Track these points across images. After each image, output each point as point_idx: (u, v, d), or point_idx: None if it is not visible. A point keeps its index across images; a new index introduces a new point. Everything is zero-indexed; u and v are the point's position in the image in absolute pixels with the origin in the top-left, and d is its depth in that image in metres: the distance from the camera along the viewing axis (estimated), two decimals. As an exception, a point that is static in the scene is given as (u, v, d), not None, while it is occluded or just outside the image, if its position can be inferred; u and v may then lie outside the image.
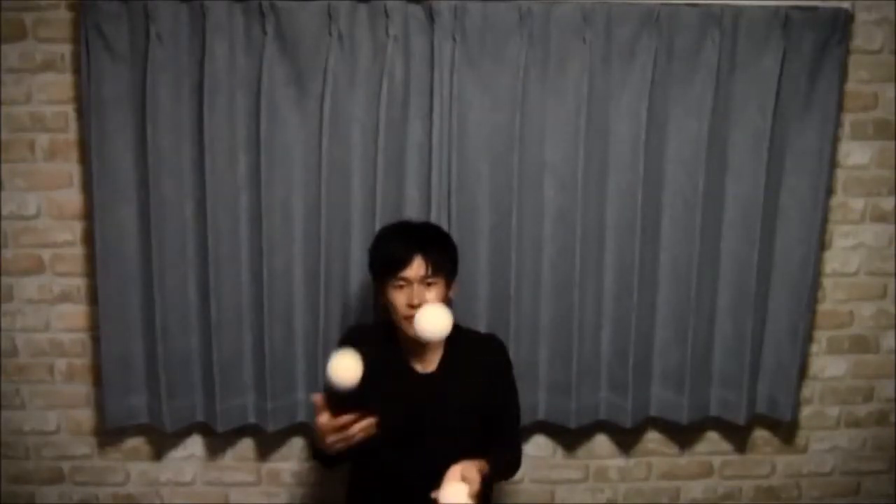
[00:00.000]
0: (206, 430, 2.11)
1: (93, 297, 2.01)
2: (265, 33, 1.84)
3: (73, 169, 1.98)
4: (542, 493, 2.23)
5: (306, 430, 2.09)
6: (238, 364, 2.00)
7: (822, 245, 2.07)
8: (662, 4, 1.89)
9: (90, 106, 1.85)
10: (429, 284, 1.55)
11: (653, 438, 2.23)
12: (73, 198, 2.00)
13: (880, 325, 2.20)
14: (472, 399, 1.61)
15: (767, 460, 2.28)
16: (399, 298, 1.55)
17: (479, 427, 1.65)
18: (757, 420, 2.18)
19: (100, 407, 2.06)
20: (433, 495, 1.43)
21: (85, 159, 1.92)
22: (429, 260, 1.54)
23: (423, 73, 1.89)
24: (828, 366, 2.22)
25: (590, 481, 2.24)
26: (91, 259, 1.97)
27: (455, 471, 1.44)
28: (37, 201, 1.99)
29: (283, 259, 1.95)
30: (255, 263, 1.95)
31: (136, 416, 2.03)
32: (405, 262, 1.53)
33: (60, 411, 2.11)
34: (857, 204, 2.13)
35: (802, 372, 2.14)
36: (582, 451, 2.22)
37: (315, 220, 1.93)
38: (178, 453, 2.15)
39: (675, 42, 1.92)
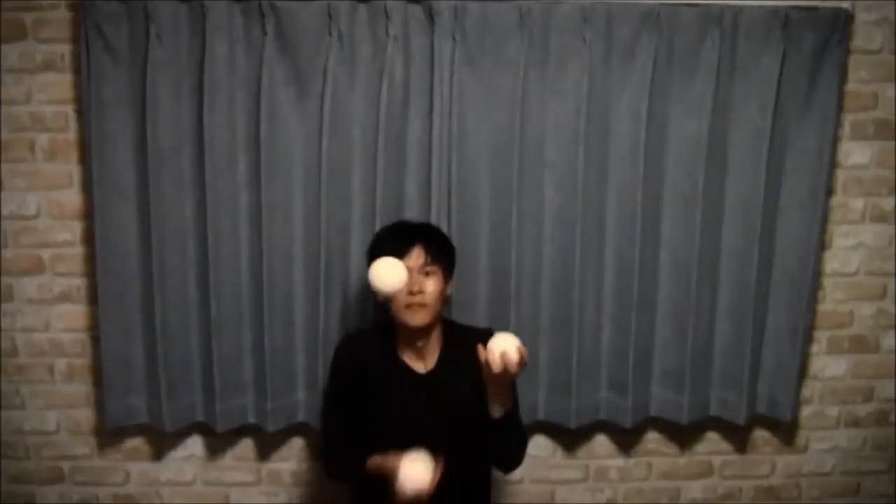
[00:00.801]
0: (206, 430, 2.11)
1: (93, 297, 2.01)
2: (265, 33, 1.84)
3: (73, 169, 1.98)
4: (542, 493, 2.23)
5: (306, 430, 2.09)
6: (238, 364, 2.00)
7: (822, 245, 2.08)
8: (662, 4, 1.89)
9: (90, 106, 1.85)
10: (427, 274, 1.58)
11: (653, 438, 2.23)
12: (73, 198, 2.00)
13: (880, 325, 2.20)
14: (471, 395, 1.61)
15: (767, 460, 2.28)
16: (398, 291, 1.56)
17: (480, 419, 1.64)
18: (757, 420, 2.18)
19: (100, 407, 2.06)
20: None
21: (85, 159, 1.92)
22: (428, 250, 1.59)
23: (423, 73, 1.89)
24: (828, 366, 2.22)
25: (590, 481, 2.24)
26: (91, 259, 1.97)
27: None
28: (37, 201, 2.00)
29: (283, 259, 1.95)
30: (255, 263, 1.95)
31: (136, 416, 2.03)
32: (405, 251, 1.57)
33: (60, 411, 2.11)
34: (857, 204, 2.13)
35: (802, 372, 2.14)
36: (582, 451, 2.22)
37: (315, 220, 1.93)
38: (178, 453, 2.15)
39: (675, 42, 1.92)
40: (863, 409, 2.26)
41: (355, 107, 1.90)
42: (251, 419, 2.04)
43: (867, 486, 2.32)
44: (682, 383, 2.06)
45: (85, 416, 2.12)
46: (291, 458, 2.17)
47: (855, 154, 2.09)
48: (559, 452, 2.22)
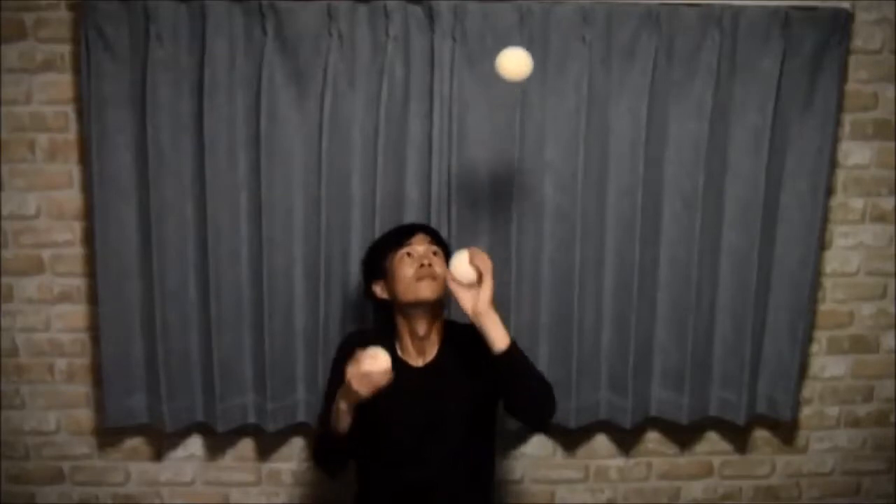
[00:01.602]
0: (206, 430, 2.11)
1: (93, 297, 2.01)
2: (265, 33, 1.84)
3: (73, 169, 1.98)
4: (542, 493, 2.23)
5: (306, 430, 2.09)
6: (238, 364, 2.00)
7: (822, 245, 2.08)
8: (662, 4, 1.89)
9: (90, 106, 1.85)
10: (434, 253, 1.62)
11: (653, 438, 2.23)
12: (73, 198, 2.00)
13: (880, 325, 2.20)
14: (471, 388, 1.61)
15: (767, 460, 2.28)
16: (406, 269, 1.58)
17: (479, 418, 1.65)
18: (757, 420, 2.18)
19: (100, 407, 2.06)
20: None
21: (85, 159, 1.92)
22: (430, 235, 1.67)
23: (423, 73, 1.89)
24: (828, 366, 2.22)
25: (590, 481, 2.24)
26: (91, 259, 1.97)
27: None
28: (37, 201, 2.00)
29: (283, 259, 1.95)
30: (255, 263, 1.95)
31: (136, 416, 2.03)
32: (409, 237, 1.63)
33: (60, 411, 2.11)
34: (857, 204, 2.13)
35: (802, 372, 2.14)
36: (582, 451, 2.22)
37: (315, 219, 1.93)
38: (178, 453, 2.15)
39: (675, 42, 1.92)
40: (863, 409, 2.26)
41: (355, 107, 1.90)
42: (251, 419, 2.04)
43: (867, 486, 2.32)
44: (682, 383, 2.06)
45: (85, 416, 2.12)
46: (291, 458, 2.17)
47: (855, 154, 2.09)
48: (559, 452, 2.22)
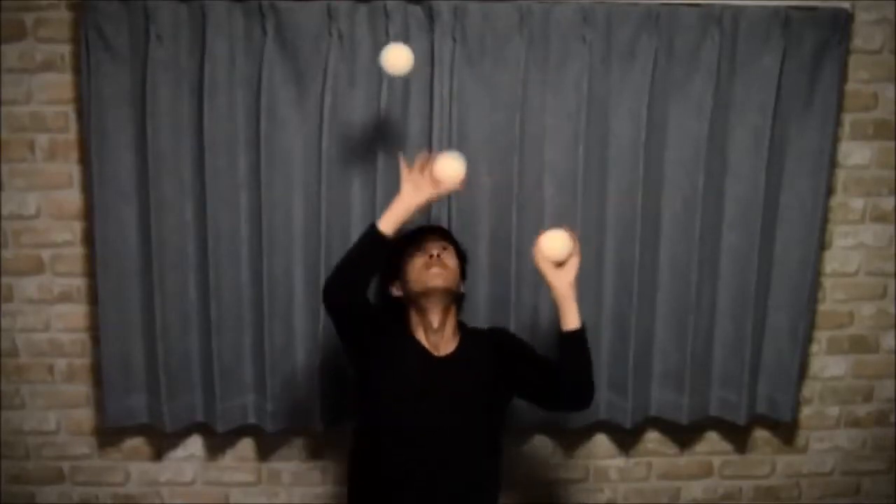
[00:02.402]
0: (206, 430, 2.11)
1: (93, 297, 2.01)
2: (265, 33, 1.84)
3: (73, 169, 1.98)
4: (542, 493, 2.23)
5: (306, 430, 2.08)
6: (238, 364, 2.00)
7: (822, 245, 2.08)
8: (662, 4, 1.89)
9: (90, 106, 1.85)
10: (444, 248, 1.69)
11: (653, 438, 2.23)
12: (73, 198, 2.00)
13: (880, 325, 2.20)
14: (487, 383, 1.63)
15: (767, 460, 2.28)
16: (417, 261, 1.65)
17: (493, 413, 1.66)
18: (757, 420, 2.18)
19: (100, 407, 2.06)
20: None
21: (85, 159, 1.92)
22: (442, 235, 1.75)
23: (423, 73, 1.89)
24: (828, 366, 2.22)
25: (590, 481, 2.24)
26: (91, 259, 1.97)
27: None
28: (37, 201, 2.00)
29: (283, 259, 1.95)
30: (255, 263, 1.95)
31: (136, 416, 2.03)
32: (422, 234, 1.71)
33: (60, 411, 2.11)
34: (857, 204, 2.13)
35: (802, 372, 2.14)
36: (582, 451, 2.22)
37: (315, 220, 1.93)
38: (178, 453, 2.15)
39: (675, 42, 1.92)
40: (863, 409, 2.26)
41: (355, 107, 1.90)
42: (251, 419, 2.04)
43: (867, 486, 2.32)
44: (682, 383, 2.06)
45: (85, 416, 2.12)
46: (291, 458, 2.17)
47: (855, 154, 2.10)
48: (559, 452, 2.22)
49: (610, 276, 2.03)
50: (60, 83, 1.94)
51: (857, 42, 2.02)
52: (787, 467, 2.28)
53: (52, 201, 2.00)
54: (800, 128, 1.99)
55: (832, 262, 2.15)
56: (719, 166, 1.98)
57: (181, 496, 2.17)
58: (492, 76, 1.90)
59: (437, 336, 1.65)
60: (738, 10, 1.90)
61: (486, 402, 1.63)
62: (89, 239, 1.97)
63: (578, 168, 1.93)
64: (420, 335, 1.66)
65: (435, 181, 1.57)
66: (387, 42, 1.85)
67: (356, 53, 1.88)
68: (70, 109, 1.95)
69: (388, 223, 1.56)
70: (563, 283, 1.57)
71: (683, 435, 2.22)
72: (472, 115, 1.91)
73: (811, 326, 2.14)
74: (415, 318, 1.67)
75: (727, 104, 1.95)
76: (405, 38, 1.87)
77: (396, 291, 1.71)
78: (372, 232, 1.57)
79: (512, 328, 1.96)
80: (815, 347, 2.20)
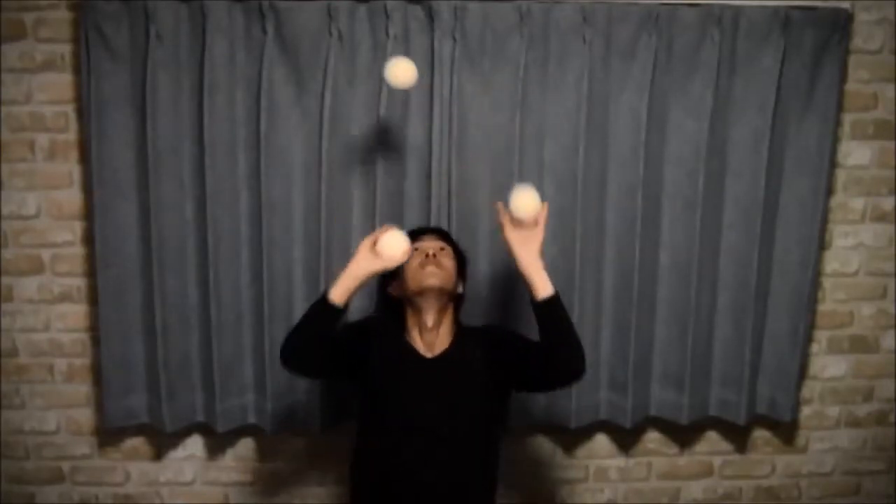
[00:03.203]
0: (206, 430, 2.11)
1: (93, 297, 2.01)
2: (265, 33, 1.84)
3: (73, 169, 1.98)
4: (542, 493, 2.23)
5: (306, 430, 2.08)
6: (238, 364, 2.00)
7: (822, 245, 2.08)
8: (662, 4, 1.89)
9: (90, 106, 1.85)
10: (441, 249, 1.69)
11: (653, 438, 2.23)
12: (73, 198, 2.00)
13: (880, 325, 2.20)
14: (480, 382, 1.63)
15: (767, 460, 2.28)
16: (413, 261, 1.65)
17: (488, 411, 1.66)
18: (757, 420, 2.18)
19: (100, 407, 2.06)
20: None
21: (85, 159, 1.92)
22: (440, 236, 1.75)
23: (423, 73, 1.88)
24: (828, 366, 2.22)
25: (590, 481, 2.24)
26: (91, 259, 1.97)
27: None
28: (37, 201, 2.00)
29: (283, 259, 1.95)
30: (255, 263, 1.95)
31: (136, 416, 2.03)
32: (421, 234, 1.72)
33: (60, 411, 2.11)
34: (857, 204, 2.13)
35: (802, 372, 2.14)
36: (582, 451, 2.22)
37: (315, 220, 1.93)
38: (178, 453, 2.15)
39: (675, 42, 1.92)
40: (863, 409, 2.26)
41: (355, 107, 1.90)
42: (251, 419, 2.04)
43: (867, 486, 2.32)
44: (682, 383, 2.06)
45: (85, 416, 2.12)
46: (291, 459, 2.17)
47: (855, 154, 2.10)
48: (559, 452, 2.22)
49: (610, 276, 2.03)
50: (60, 83, 1.94)
51: (857, 42, 2.02)
52: (787, 467, 2.28)
53: (52, 201, 2.00)
54: (800, 128, 1.99)
55: (832, 262, 2.15)
56: (719, 166, 1.98)
57: (181, 496, 2.17)
58: (492, 76, 1.90)
59: (432, 335, 1.66)
60: (738, 10, 1.90)
61: (480, 401, 1.63)
62: (89, 239, 1.97)
63: (578, 168, 1.93)
64: (415, 334, 1.67)
65: (380, 256, 1.57)
66: (387, 42, 1.86)
67: (356, 53, 1.88)
68: (70, 109, 1.95)
69: (339, 294, 1.55)
70: (529, 253, 1.54)
71: (683, 435, 2.22)
72: (472, 115, 1.91)
73: (811, 326, 2.14)
74: (411, 318, 1.68)
75: (727, 104, 1.95)
76: (405, 38, 1.87)
77: (393, 291, 1.72)
78: (323, 301, 1.56)
79: (512, 327, 1.96)
80: (815, 347, 2.20)
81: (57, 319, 2.06)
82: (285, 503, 2.19)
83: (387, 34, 1.86)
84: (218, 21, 1.83)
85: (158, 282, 1.92)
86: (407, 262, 1.65)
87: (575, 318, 1.98)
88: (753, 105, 1.95)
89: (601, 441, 2.22)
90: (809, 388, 2.22)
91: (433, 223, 1.91)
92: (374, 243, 1.58)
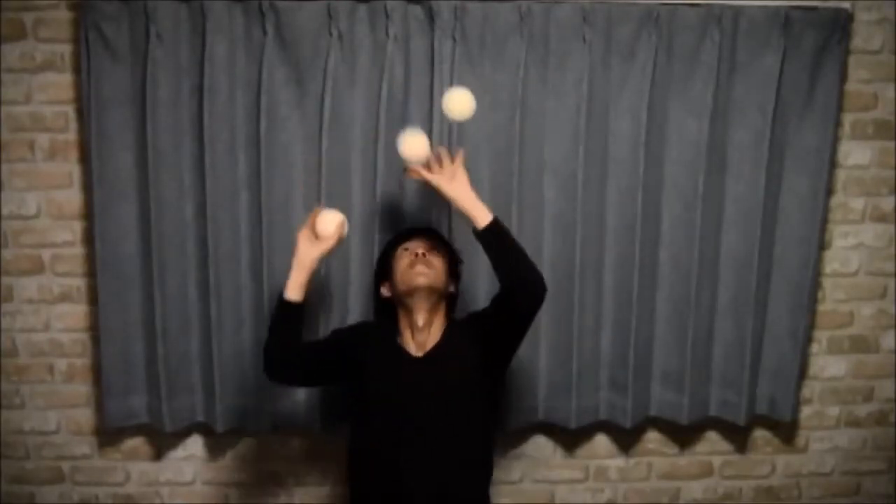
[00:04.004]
0: (206, 430, 2.11)
1: (93, 297, 2.01)
2: (265, 33, 1.84)
3: (73, 169, 1.98)
4: (542, 493, 2.23)
5: (307, 430, 2.08)
6: (238, 364, 2.00)
7: (822, 245, 2.08)
8: (662, 4, 1.89)
9: (90, 106, 1.85)
10: (431, 249, 1.70)
11: (653, 438, 2.23)
12: (73, 198, 2.00)
13: (880, 325, 2.20)
14: (468, 378, 1.64)
15: (767, 460, 2.28)
16: (402, 261, 1.67)
17: (477, 409, 1.66)
18: (757, 420, 2.18)
19: (100, 407, 2.06)
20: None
21: (85, 159, 1.92)
22: (428, 237, 1.75)
23: (423, 73, 1.89)
24: (828, 366, 2.22)
25: (590, 481, 2.24)
26: (91, 259, 1.97)
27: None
28: (37, 201, 1.99)
29: (283, 259, 1.93)
30: (255, 263, 1.95)
31: (136, 416, 2.03)
32: (410, 235, 1.73)
33: (60, 411, 2.11)
34: (857, 204, 2.13)
35: (802, 372, 2.14)
36: (582, 451, 2.22)
37: (315, 219, 1.93)
38: (178, 453, 2.15)
39: (675, 42, 1.92)
40: (863, 409, 2.26)
41: (355, 107, 1.90)
42: (251, 419, 2.04)
43: (867, 486, 2.32)
44: (682, 383, 2.06)
45: (85, 416, 2.12)
46: (291, 459, 2.17)
47: (855, 154, 2.09)
48: (559, 452, 2.22)
49: (610, 276, 2.03)
50: (60, 83, 1.94)
51: (857, 42, 2.02)
52: (787, 467, 2.28)
53: (52, 201, 2.00)
54: (800, 128, 1.99)
55: (832, 262, 2.15)
56: (719, 166, 1.98)
57: (181, 496, 2.17)
58: (492, 76, 1.90)
59: (423, 335, 1.66)
60: (738, 10, 1.90)
61: (469, 397, 1.64)
62: (89, 239, 1.97)
63: (578, 168, 1.93)
64: (407, 334, 1.68)
65: (321, 235, 1.64)
66: (387, 42, 1.86)
67: (356, 53, 1.88)
68: (70, 109, 1.95)
69: (292, 289, 1.64)
70: (459, 187, 1.60)
71: (683, 435, 2.22)
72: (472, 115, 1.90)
73: (811, 326, 2.14)
74: (403, 319, 1.69)
75: (727, 104, 1.95)
76: (405, 38, 1.87)
77: (386, 292, 1.73)
78: (281, 303, 1.65)
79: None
80: (815, 347, 2.20)
81: (57, 319, 2.06)
82: (285, 503, 2.19)
83: (387, 34, 1.86)
84: (218, 21, 1.83)
85: (158, 282, 1.92)
86: (397, 263, 1.67)
87: (575, 318, 2.00)
88: (753, 105, 1.95)
89: (601, 441, 2.22)
90: (809, 388, 2.22)
91: (433, 223, 1.91)
92: (311, 229, 1.65)
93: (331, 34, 1.85)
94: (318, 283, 1.93)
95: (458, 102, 1.66)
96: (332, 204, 1.90)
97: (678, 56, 1.93)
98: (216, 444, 2.14)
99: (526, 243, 1.94)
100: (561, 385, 2.04)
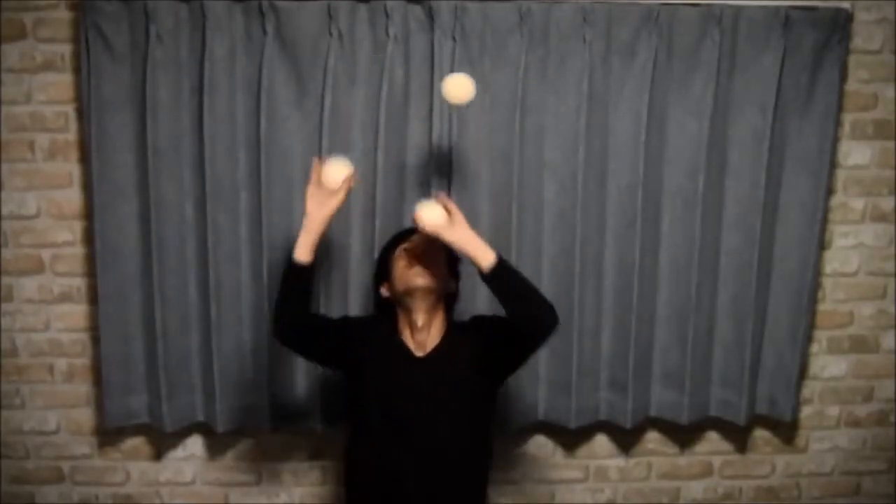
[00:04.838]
0: (206, 430, 2.11)
1: (93, 297, 2.01)
2: (265, 33, 1.84)
3: (73, 169, 1.98)
4: (542, 493, 2.23)
5: (307, 430, 2.08)
6: (238, 364, 2.00)
7: (822, 245, 2.08)
8: (662, 4, 1.89)
9: (90, 106, 1.85)
10: (429, 249, 1.66)
11: (653, 438, 2.23)
12: (73, 198, 2.00)
13: (880, 325, 2.20)
14: (469, 379, 1.64)
15: (767, 460, 2.28)
16: (401, 262, 1.65)
17: (476, 410, 1.66)
18: (757, 420, 2.18)
19: (100, 407, 2.06)
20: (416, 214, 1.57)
21: (85, 159, 1.92)
22: (428, 237, 1.68)
23: (423, 73, 1.89)
24: (828, 366, 2.22)
25: (590, 481, 2.24)
26: (91, 259, 1.97)
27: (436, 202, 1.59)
28: (37, 201, 1.99)
29: (283, 259, 1.93)
30: (256, 263, 1.95)
31: (136, 416, 2.03)
32: (408, 235, 1.69)
33: (60, 411, 2.11)
34: (857, 204, 2.13)
35: (802, 372, 2.14)
36: (582, 451, 2.22)
37: (315, 220, 1.92)
38: (178, 453, 2.15)
39: (675, 42, 1.92)
40: (863, 409, 2.26)
41: (355, 107, 1.90)
42: (251, 419, 2.04)
43: (867, 486, 2.32)
44: (682, 383, 2.06)
45: (85, 416, 2.12)
46: (291, 459, 2.17)
47: (855, 154, 2.10)
48: (559, 452, 2.22)
49: (610, 276, 2.03)
50: (60, 83, 1.94)
51: (857, 42, 2.02)
52: (787, 467, 2.28)
53: (52, 201, 2.00)
54: (800, 128, 1.99)
55: (832, 262, 2.15)
56: (719, 166, 1.98)
57: (181, 496, 2.17)
58: (491, 76, 1.90)
59: (423, 335, 1.66)
60: (738, 10, 1.90)
61: (469, 398, 1.64)
62: (89, 239, 1.97)
63: (578, 168, 1.93)
64: (406, 335, 1.67)
65: (328, 190, 1.60)
66: (387, 42, 1.86)
67: (356, 53, 1.88)
68: (70, 109, 1.95)
69: (301, 251, 1.60)
70: (458, 234, 1.55)
71: (683, 435, 2.22)
72: (472, 115, 1.91)
73: (811, 326, 2.14)
74: (402, 318, 1.68)
75: (727, 104, 1.95)
76: (405, 38, 1.87)
77: (385, 292, 1.72)
78: (290, 265, 1.61)
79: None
80: (815, 347, 2.20)
81: (57, 319, 2.06)
82: (285, 503, 2.19)
83: (387, 34, 1.86)
84: (218, 21, 1.83)
85: (158, 282, 1.92)
86: (395, 263, 1.66)
87: (575, 318, 1.99)
88: (753, 105, 1.95)
89: (601, 441, 2.22)
90: (809, 388, 2.22)
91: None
92: (317, 185, 1.60)
93: (331, 34, 1.85)
94: (318, 283, 1.94)
95: (458, 87, 1.65)
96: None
97: (678, 56, 1.93)
98: (216, 444, 2.14)
99: (526, 243, 1.97)
100: (561, 385, 2.04)
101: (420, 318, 1.65)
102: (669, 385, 2.08)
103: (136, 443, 2.14)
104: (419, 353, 1.66)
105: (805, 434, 2.27)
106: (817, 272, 2.08)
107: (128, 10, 1.83)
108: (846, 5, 1.93)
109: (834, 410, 2.25)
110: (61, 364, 2.08)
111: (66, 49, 1.92)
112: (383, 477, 1.62)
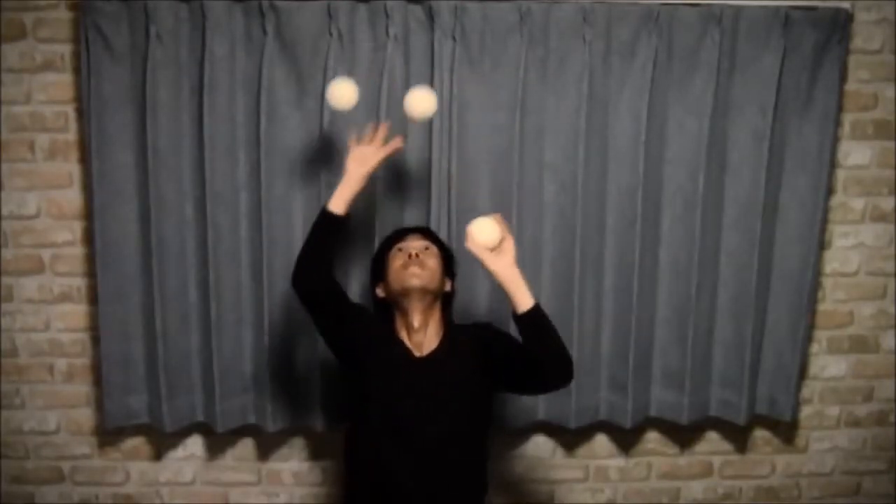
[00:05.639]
0: (206, 430, 2.11)
1: (93, 297, 2.01)
2: (265, 33, 1.84)
3: (73, 169, 1.98)
4: (542, 493, 2.23)
5: (306, 430, 2.08)
6: (238, 364, 2.00)
7: (822, 245, 2.08)
8: (662, 4, 1.89)
9: (90, 106, 1.85)
10: (426, 248, 1.69)
11: (653, 438, 2.23)
12: (73, 198, 2.00)
13: (880, 325, 2.20)
14: (467, 382, 1.63)
15: (767, 460, 2.28)
16: (396, 261, 1.67)
17: (476, 409, 1.66)
18: (757, 420, 2.18)
19: (100, 407, 2.06)
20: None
21: (85, 159, 1.92)
22: (425, 235, 1.75)
23: (423, 73, 1.89)
24: (828, 366, 2.22)
25: (590, 481, 2.24)
26: (91, 259, 1.97)
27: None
28: (37, 201, 2.00)
29: (282, 259, 1.94)
30: (256, 263, 1.95)
31: (136, 416, 2.03)
32: (405, 234, 1.73)
33: (60, 411, 2.11)
34: (857, 204, 2.13)
35: (802, 372, 2.14)
36: (582, 451, 2.22)
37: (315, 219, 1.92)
38: (178, 453, 2.15)
39: (675, 42, 1.92)
40: (863, 409, 2.26)
41: (355, 107, 1.90)
42: (251, 419, 2.04)
43: (867, 486, 2.32)
44: (682, 383, 2.06)
45: (85, 416, 2.12)
46: (291, 458, 2.17)
47: (855, 154, 2.10)
48: (559, 452, 2.22)
49: (610, 276, 2.03)
50: (60, 83, 1.94)
51: (857, 42, 2.02)
52: (787, 467, 2.28)
53: (52, 201, 2.00)
54: (800, 128, 1.99)
55: (832, 262, 2.15)
56: (719, 166, 1.98)
57: (181, 496, 2.17)
58: (492, 76, 1.90)
59: (420, 335, 1.65)
60: (738, 10, 1.90)
61: (468, 400, 1.64)
62: (89, 239, 1.97)
63: (578, 168, 1.93)
64: (403, 335, 1.67)
65: (377, 149, 1.65)
66: (387, 42, 1.86)
67: (356, 53, 1.88)
68: (70, 109, 1.95)
69: (336, 201, 1.62)
70: (502, 266, 1.52)
71: (683, 435, 2.22)
72: (472, 115, 1.91)
73: (811, 326, 2.14)
74: (399, 319, 1.68)
75: (727, 104, 1.96)
76: (405, 38, 1.87)
77: (381, 293, 1.72)
78: (323, 213, 1.62)
79: (512, 328, 1.96)
80: (815, 347, 2.20)
81: (57, 319, 2.06)
82: (285, 503, 2.19)
83: (387, 34, 1.86)
84: (218, 21, 1.83)
85: (158, 282, 1.92)
86: (391, 263, 1.67)
87: (575, 318, 1.99)
88: (753, 105, 1.95)
89: (601, 441, 2.22)
90: (809, 388, 2.22)
91: (433, 223, 1.91)
92: (371, 141, 1.66)
93: (331, 34, 1.85)
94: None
95: (420, 101, 1.65)
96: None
97: (678, 56, 1.93)
98: (216, 444, 2.14)
99: (526, 243, 1.96)
100: (561, 385, 2.04)
101: (416, 319, 1.65)
102: (669, 385, 2.08)
103: (136, 443, 2.14)
104: (418, 354, 1.65)
105: (805, 434, 2.27)
106: (817, 272, 2.08)
107: (128, 10, 1.83)
108: (846, 5, 1.93)
109: (834, 410, 2.25)
110: (61, 364, 2.08)
111: (66, 49, 1.92)
112: (383, 477, 1.61)
